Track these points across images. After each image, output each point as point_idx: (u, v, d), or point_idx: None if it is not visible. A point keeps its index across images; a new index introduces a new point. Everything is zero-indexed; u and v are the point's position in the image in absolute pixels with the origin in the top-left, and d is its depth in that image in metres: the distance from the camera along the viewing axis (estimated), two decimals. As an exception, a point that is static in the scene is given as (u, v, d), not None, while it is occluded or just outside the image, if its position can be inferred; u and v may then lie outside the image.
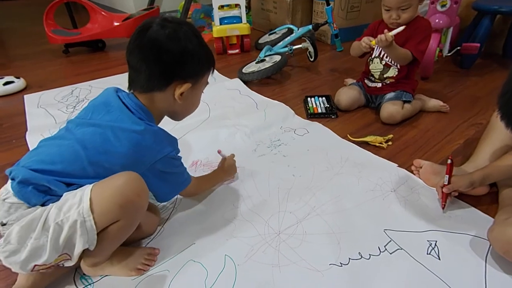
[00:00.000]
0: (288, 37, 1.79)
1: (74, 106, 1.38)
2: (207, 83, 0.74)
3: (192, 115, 0.80)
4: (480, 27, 1.57)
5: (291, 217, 0.81)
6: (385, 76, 1.25)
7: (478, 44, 1.52)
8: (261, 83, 1.57)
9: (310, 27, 1.77)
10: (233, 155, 0.95)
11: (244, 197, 0.88)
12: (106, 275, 0.68)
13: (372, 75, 1.29)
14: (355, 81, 1.39)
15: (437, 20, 1.45)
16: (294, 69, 1.76)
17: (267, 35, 2.10)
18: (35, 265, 0.54)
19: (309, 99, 1.39)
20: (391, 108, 1.19)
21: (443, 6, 1.45)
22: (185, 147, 1.08)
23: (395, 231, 0.76)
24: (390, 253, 0.71)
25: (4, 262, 0.54)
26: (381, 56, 1.24)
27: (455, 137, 1.13)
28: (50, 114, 1.32)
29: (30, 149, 1.08)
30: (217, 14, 1.88)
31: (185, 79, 0.66)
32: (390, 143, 1.09)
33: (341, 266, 0.68)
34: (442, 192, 0.80)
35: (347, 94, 1.30)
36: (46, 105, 1.39)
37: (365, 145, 1.09)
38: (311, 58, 1.73)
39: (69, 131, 0.64)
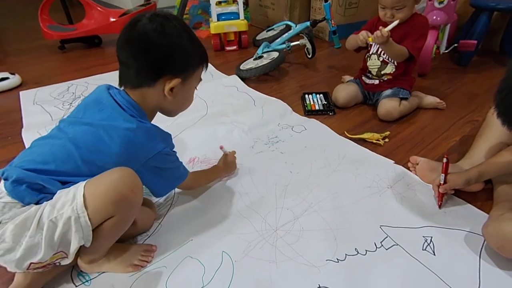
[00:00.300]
0: (286, 34, 1.78)
1: (71, 103, 1.37)
2: (201, 79, 0.73)
3: (189, 111, 0.79)
4: (478, 24, 1.57)
5: (288, 213, 0.81)
6: (382, 72, 1.25)
7: (475, 41, 1.53)
8: (258, 80, 1.56)
9: (308, 23, 1.77)
10: (234, 152, 0.95)
11: (241, 194, 0.88)
12: (103, 272, 0.68)
13: (370, 72, 1.29)
14: (352, 78, 1.39)
15: (434, 17, 1.45)
16: (292, 66, 1.75)
17: (264, 31, 2.09)
18: (31, 263, 0.54)
19: (306, 96, 1.39)
20: (388, 105, 1.19)
21: (441, 2, 1.45)
22: (182, 144, 1.08)
23: (391, 227, 0.77)
24: (386, 249, 0.72)
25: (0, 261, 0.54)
26: (378, 52, 1.24)
27: (452, 134, 1.14)
28: (46, 111, 1.31)
29: (26, 146, 1.08)
30: (214, 10, 1.87)
31: (175, 75, 0.65)
32: (387, 140, 1.10)
33: (338, 262, 0.69)
34: (439, 191, 0.80)
35: (345, 91, 1.30)
36: (42, 102, 1.38)
37: (362, 142, 1.09)
38: (309, 55, 1.73)
39: (61, 131, 0.64)
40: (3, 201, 0.56)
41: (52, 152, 0.60)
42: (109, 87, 0.68)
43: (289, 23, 1.94)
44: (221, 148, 0.94)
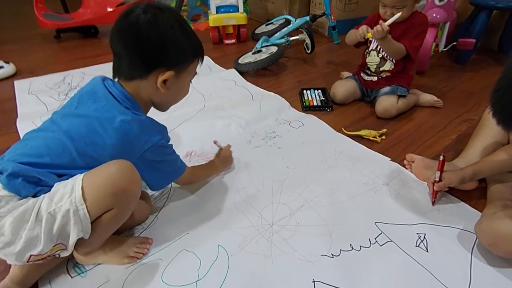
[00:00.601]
0: (285, 28, 1.77)
1: (66, 94, 1.35)
2: (196, 73, 0.72)
3: (187, 105, 0.79)
4: (477, 22, 1.57)
5: (284, 208, 0.82)
6: (381, 69, 1.25)
7: (474, 40, 1.53)
8: (257, 74, 1.56)
9: (307, 18, 1.76)
10: (229, 146, 0.95)
11: (238, 188, 0.88)
12: (99, 264, 0.68)
13: (369, 68, 1.29)
14: (351, 74, 1.39)
15: (434, 15, 1.45)
16: (291, 61, 1.74)
17: (264, 25, 2.08)
18: (31, 256, 0.54)
19: (305, 91, 1.39)
20: (386, 102, 1.19)
21: (441, 0, 1.45)
22: (179, 137, 1.07)
23: (386, 223, 0.78)
24: (381, 245, 0.72)
25: None
26: (378, 49, 1.24)
27: (448, 132, 1.14)
28: (42, 101, 1.30)
29: (21, 136, 1.07)
30: (213, 2, 1.85)
31: (168, 67, 0.65)
32: (384, 137, 1.10)
33: (333, 257, 0.70)
34: (433, 188, 0.81)
35: (343, 87, 1.30)
36: (37, 92, 1.36)
37: (359, 138, 1.09)
38: (308, 50, 1.72)
39: (55, 123, 0.63)
40: None
41: (46, 145, 0.59)
42: (104, 79, 0.67)
43: (289, 17, 1.92)
44: (215, 142, 0.93)
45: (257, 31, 2.04)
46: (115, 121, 0.61)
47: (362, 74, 1.32)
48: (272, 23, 2.04)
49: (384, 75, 1.26)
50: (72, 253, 0.65)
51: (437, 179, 0.80)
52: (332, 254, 0.70)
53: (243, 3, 1.91)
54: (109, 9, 1.94)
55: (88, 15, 1.95)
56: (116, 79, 0.67)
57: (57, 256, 0.59)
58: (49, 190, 0.56)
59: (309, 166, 0.96)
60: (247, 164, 0.97)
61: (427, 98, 1.29)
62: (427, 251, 0.71)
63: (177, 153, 0.75)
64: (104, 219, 0.59)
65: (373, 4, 2.02)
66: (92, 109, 0.62)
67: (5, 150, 0.61)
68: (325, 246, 0.72)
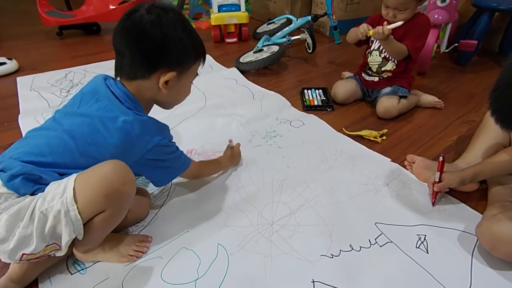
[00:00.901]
0: (287, 28, 1.77)
1: (68, 90, 1.35)
2: (197, 74, 0.72)
3: (188, 103, 0.79)
4: (479, 24, 1.57)
5: (284, 208, 0.82)
6: (382, 69, 1.25)
7: (476, 42, 1.53)
8: (258, 73, 1.56)
9: (309, 18, 1.75)
10: (239, 144, 0.95)
11: (238, 187, 0.88)
12: (99, 261, 0.68)
13: (370, 68, 1.29)
14: (352, 74, 1.39)
15: (436, 16, 1.45)
16: (292, 60, 1.74)
17: (265, 24, 2.07)
18: (23, 254, 0.54)
19: (305, 91, 1.38)
20: (387, 103, 1.19)
21: (443, 1, 1.44)
22: (180, 135, 1.07)
23: (386, 224, 0.78)
24: (380, 246, 0.72)
25: None
26: (380, 49, 1.24)
27: (449, 133, 1.14)
28: (43, 97, 1.30)
29: (23, 132, 1.07)
30: (215, 1, 1.84)
31: (170, 68, 0.65)
32: (384, 137, 1.10)
33: (332, 257, 0.70)
34: (433, 189, 0.81)
35: (344, 87, 1.30)
36: (39, 88, 1.36)
37: (359, 139, 1.09)
38: (309, 49, 1.72)
39: (57, 122, 0.63)
40: None
41: (48, 144, 0.59)
42: (105, 78, 0.67)
43: (290, 17, 1.92)
44: (230, 141, 0.92)
45: (258, 30, 2.04)
46: (117, 121, 0.61)
47: (363, 74, 1.32)
48: (273, 22, 2.04)
49: (386, 76, 1.26)
50: (72, 250, 0.66)
51: (437, 180, 0.80)
52: (331, 254, 0.70)
53: (245, 2, 1.90)
54: (111, 7, 1.94)
55: (91, 12, 1.95)
56: (118, 78, 0.67)
57: (52, 255, 0.59)
58: None
59: (310, 166, 0.96)
60: (247, 163, 0.97)
61: (428, 99, 1.29)
62: (427, 253, 0.71)
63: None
64: (97, 221, 0.58)
65: (374, 4, 2.03)
66: (95, 109, 0.62)
67: (7, 146, 0.62)
68: (324, 246, 0.72)
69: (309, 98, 1.34)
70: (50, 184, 0.57)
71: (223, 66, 1.61)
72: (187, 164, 0.76)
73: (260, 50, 1.62)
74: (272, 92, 1.37)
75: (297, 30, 1.77)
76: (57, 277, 0.65)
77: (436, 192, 0.81)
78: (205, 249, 0.71)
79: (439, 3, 1.46)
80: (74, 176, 0.56)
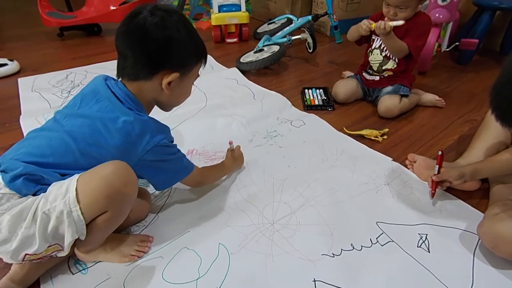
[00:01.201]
0: (287, 27, 1.77)
1: (69, 91, 1.35)
2: (198, 75, 0.72)
3: (188, 103, 0.79)
4: (480, 23, 1.56)
5: (285, 207, 0.82)
6: (383, 68, 1.25)
7: (477, 40, 1.52)
8: (258, 73, 1.56)
9: (309, 17, 1.75)
10: (239, 146, 0.95)
11: (239, 187, 0.88)
12: (100, 261, 0.68)
13: (371, 67, 1.29)
14: (353, 73, 1.39)
15: (437, 15, 1.44)
16: (292, 60, 1.74)
17: (266, 24, 2.07)
18: (26, 255, 0.54)
19: (306, 90, 1.38)
20: (388, 102, 1.19)
21: (444, 0, 1.44)
22: (181, 135, 1.07)
23: (387, 223, 0.78)
24: (382, 245, 0.72)
25: None
26: (381, 48, 1.23)
27: (450, 132, 1.14)
28: (45, 98, 1.30)
29: (24, 133, 1.07)
30: (215, 1, 1.84)
31: (173, 69, 0.65)
32: (385, 137, 1.10)
33: (333, 256, 0.70)
34: (432, 180, 0.81)
35: (345, 87, 1.30)
36: (40, 89, 1.37)
37: (360, 138, 1.09)
38: (310, 49, 1.72)
39: (58, 123, 0.63)
40: (0, 193, 0.55)
41: (49, 145, 0.59)
42: (106, 78, 0.67)
43: (291, 16, 1.92)
44: (230, 143, 0.91)
45: (259, 30, 2.04)
46: (118, 121, 0.61)
47: (364, 74, 1.32)
48: (274, 22, 2.04)
49: (387, 75, 1.25)
50: (73, 250, 0.66)
51: (436, 173, 0.80)
52: (333, 254, 0.70)
53: (245, 2, 1.90)
54: (112, 8, 1.94)
55: (92, 13, 1.96)
56: (119, 79, 0.67)
57: (54, 256, 0.59)
58: None
59: (310, 165, 0.96)
60: (248, 162, 0.97)
61: (429, 97, 1.29)
62: (429, 252, 0.71)
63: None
64: (99, 222, 0.58)
65: (375, 4, 2.03)
66: (95, 110, 0.62)
67: (8, 147, 0.62)
68: (326, 246, 0.72)
69: (309, 97, 1.33)
70: (52, 184, 0.57)
71: (223, 66, 1.61)
72: (190, 168, 0.75)
73: (261, 50, 1.62)
74: (273, 92, 1.37)
75: (298, 30, 1.77)
76: (59, 277, 0.65)
77: (435, 184, 0.81)
78: (206, 248, 0.71)
79: (440, 2, 1.45)
80: (76, 176, 0.57)
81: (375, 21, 1.22)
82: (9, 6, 2.77)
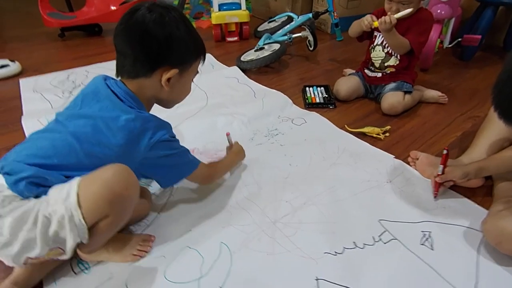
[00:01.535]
0: (288, 26, 1.76)
1: (71, 91, 1.36)
2: (197, 72, 0.72)
3: (189, 102, 0.79)
4: (482, 19, 1.55)
5: (287, 206, 0.81)
6: (386, 64, 1.24)
7: (480, 36, 1.51)
8: (259, 71, 1.55)
9: (310, 15, 1.75)
10: (237, 142, 0.95)
11: (240, 186, 0.88)
12: (103, 260, 0.68)
13: (373, 64, 1.28)
14: (354, 71, 1.38)
15: (439, 11, 1.43)
16: (293, 58, 1.74)
17: (266, 22, 2.07)
18: (28, 258, 0.54)
19: (307, 88, 1.38)
20: (392, 99, 1.18)
21: (445, -4, 1.43)
22: (182, 134, 1.07)
23: (390, 221, 0.77)
24: (384, 243, 0.72)
25: None
26: (383, 44, 1.23)
27: (452, 129, 1.13)
28: (46, 98, 1.30)
29: (26, 133, 1.08)
30: (216, 0, 1.84)
31: (172, 65, 0.65)
32: (387, 134, 1.09)
33: (336, 255, 0.69)
34: (435, 181, 0.80)
35: (347, 84, 1.29)
36: (42, 90, 1.37)
37: (362, 136, 1.09)
38: (311, 47, 1.71)
39: (60, 124, 0.63)
40: (3, 195, 0.55)
41: (53, 146, 0.59)
42: (105, 78, 0.67)
43: (291, 14, 1.91)
44: (228, 135, 0.91)
45: (259, 29, 2.03)
46: (120, 120, 0.61)
47: (366, 71, 1.31)
48: (274, 20, 2.03)
49: (389, 71, 1.25)
50: (76, 250, 0.66)
51: (440, 173, 0.79)
52: (335, 252, 0.70)
53: (246, 0, 1.90)
54: (113, 8, 1.94)
55: (92, 14, 1.96)
56: (119, 78, 0.67)
57: (56, 259, 0.59)
58: None
59: (312, 164, 0.96)
60: (249, 161, 0.96)
61: (432, 93, 1.28)
62: (432, 249, 0.70)
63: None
64: (101, 225, 0.58)
65: (376, 1, 2.01)
66: (96, 109, 0.62)
67: (11, 148, 0.61)
68: (328, 244, 0.71)
69: (311, 95, 1.33)
70: (52, 188, 0.56)
71: (224, 65, 1.61)
72: (195, 162, 0.74)
73: (261, 48, 1.61)
74: (274, 90, 1.36)
75: (298, 28, 1.76)
76: (62, 276, 0.65)
77: (438, 185, 0.80)
78: (208, 248, 0.71)
79: (441, -2, 1.44)
80: (76, 180, 0.56)
81: (378, 17, 1.22)
82: (9, 6, 2.78)
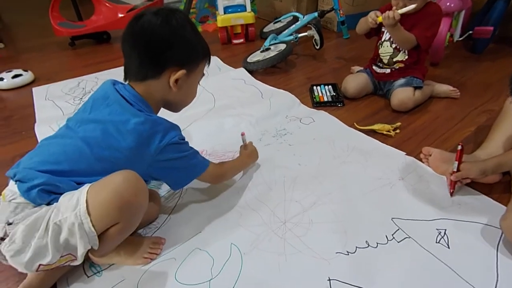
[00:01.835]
0: (293, 25, 1.76)
1: (81, 98, 1.38)
2: (203, 74, 0.73)
3: (197, 105, 0.79)
4: (494, 10, 1.51)
5: (297, 206, 0.80)
6: (394, 60, 1.22)
7: (492, 28, 1.47)
8: (266, 72, 1.55)
9: (315, 14, 1.73)
10: (251, 142, 0.94)
11: (249, 186, 0.87)
12: (114, 264, 0.69)
13: (381, 60, 1.26)
14: (362, 68, 1.36)
15: (448, 3, 1.40)
16: (300, 58, 1.73)
17: (272, 23, 2.06)
18: (40, 265, 0.55)
19: (315, 87, 1.37)
20: (402, 95, 1.16)
21: (454, -12, 1.40)
22: (190, 136, 1.08)
23: (403, 219, 0.75)
24: (398, 242, 0.70)
25: (10, 261, 0.55)
26: (391, 39, 1.21)
27: (466, 124, 1.10)
28: (58, 106, 1.33)
29: (39, 140, 1.10)
30: (221, 3, 1.85)
31: (179, 66, 0.65)
32: (398, 131, 1.07)
33: (348, 254, 0.68)
34: (451, 181, 0.78)
35: (355, 82, 1.27)
36: (54, 97, 1.40)
37: (372, 133, 1.07)
38: (317, 46, 1.70)
39: (71, 129, 0.64)
40: (16, 202, 0.56)
41: (64, 151, 0.60)
42: (114, 82, 0.68)
43: (297, 14, 1.90)
44: (243, 135, 0.91)
45: (265, 30, 2.03)
46: (129, 123, 0.61)
47: (374, 67, 1.29)
48: (280, 21, 2.02)
49: (398, 67, 1.22)
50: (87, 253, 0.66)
51: (455, 170, 0.77)
52: (347, 252, 0.68)
53: (251, 2, 1.90)
54: (120, 15, 1.97)
55: (101, 22, 2.00)
56: (127, 82, 0.68)
57: (68, 265, 0.59)
58: None
59: (321, 163, 0.94)
60: (258, 161, 0.96)
61: (443, 88, 1.25)
62: (449, 248, 0.68)
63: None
64: (112, 232, 0.58)
65: (383, -3, 1.98)
66: (106, 114, 0.63)
67: (25, 154, 0.63)
68: (340, 244, 0.70)
69: (318, 94, 1.32)
70: (63, 195, 0.57)
71: (231, 67, 1.61)
72: (205, 163, 0.74)
73: (267, 49, 1.61)
74: (281, 90, 1.36)
75: (304, 27, 1.75)
76: (75, 280, 0.66)
77: (454, 183, 0.78)
78: (218, 249, 0.71)
79: (450, -10, 1.41)
80: (86, 187, 0.57)
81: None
82: (22, 19, 2.86)
